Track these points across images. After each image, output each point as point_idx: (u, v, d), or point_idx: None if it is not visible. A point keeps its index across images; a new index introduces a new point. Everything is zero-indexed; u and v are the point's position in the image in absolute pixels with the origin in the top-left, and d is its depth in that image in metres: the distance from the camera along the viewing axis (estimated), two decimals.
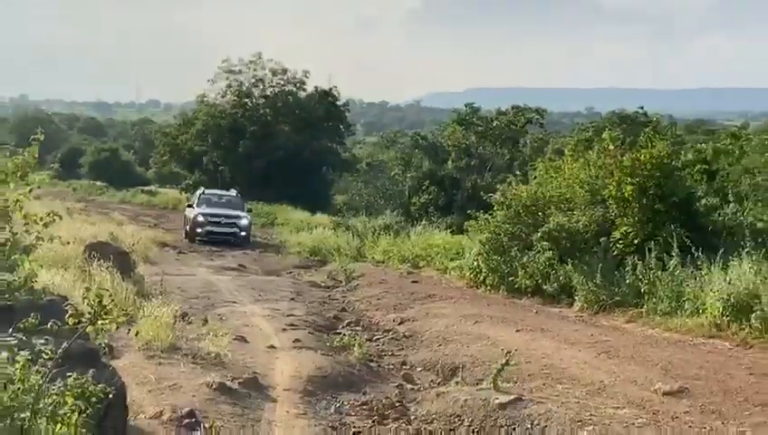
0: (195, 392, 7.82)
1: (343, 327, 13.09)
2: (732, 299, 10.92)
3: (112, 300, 5.90)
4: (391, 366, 10.59)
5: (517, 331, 11.82)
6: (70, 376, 4.79)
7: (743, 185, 15.24)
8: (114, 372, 6.21)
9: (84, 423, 4.66)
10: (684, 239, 12.77)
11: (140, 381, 7.77)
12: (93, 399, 4.78)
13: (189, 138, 43.84)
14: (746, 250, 11.82)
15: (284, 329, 12.10)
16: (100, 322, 5.55)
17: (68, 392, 4.65)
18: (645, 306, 12.52)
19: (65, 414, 4.54)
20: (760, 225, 12.92)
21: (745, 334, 10.50)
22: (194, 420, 6.92)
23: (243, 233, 25.47)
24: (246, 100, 43.89)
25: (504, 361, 8.92)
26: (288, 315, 13.40)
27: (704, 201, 14.30)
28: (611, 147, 15.46)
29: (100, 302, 5.43)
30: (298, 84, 44.16)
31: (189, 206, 27.35)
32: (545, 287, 14.64)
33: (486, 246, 16.49)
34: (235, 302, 14.72)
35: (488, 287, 16.18)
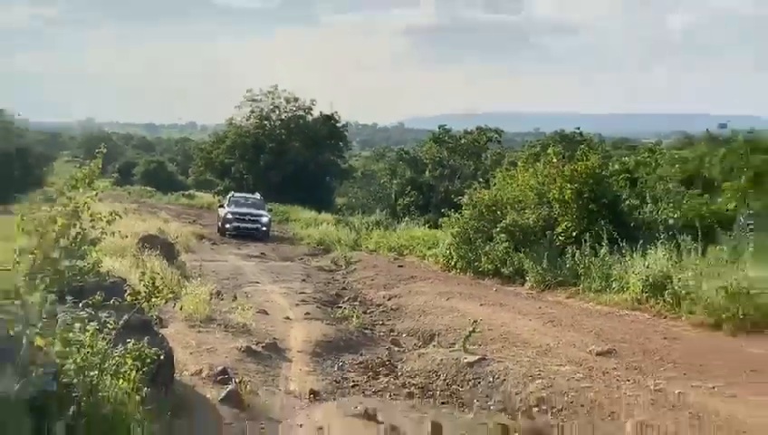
0: (227, 354, 7.82)
1: (344, 302, 13.08)
2: (649, 279, 10.99)
3: (162, 281, 5.89)
4: (382, 333, 10.59)
5: (481, 305, 11.85)
6: (129, 342, 4.79)
7: (657, 190, 15.31)
8: (163, 338, 6.20)
9: (140, 379, 4.65)
10: (612, 232, 12.82)
11: (184, 346, 7.76)
12: (147, 360, 4.79)
13: (221, 152, 43.90)
14: (660, 241, 11.89)
15: (297, 304, 12.08)
16: (153, 299, 5.54)
17: (128, 355, 4.65)
18: (581, 285, 12.59)
19: (125, 372, 4.54)
20: (671, 221, 12.98)
21: (660, 307, 10.57)
22: (227, 375, 6.92)
23: (264, 228, 25.38)
24: (266, 122, 43.79)
25: (470, 328, 8.95)
26: (300, 293, 13.38)
27: (627, 202, 14.37)
28: (554, 160, 15.52)
29: (153, 283, 5.42)
30: (306, 110, 44.13)
31: (221, 206, 27.23)
32: (503, 270, 14.69)
33: (456, 238, 16.54)
34: (257, 282, 14.67)
35: (458, 270, 16.22)
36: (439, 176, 30.34)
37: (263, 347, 8.40)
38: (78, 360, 4.20)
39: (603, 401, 6.61)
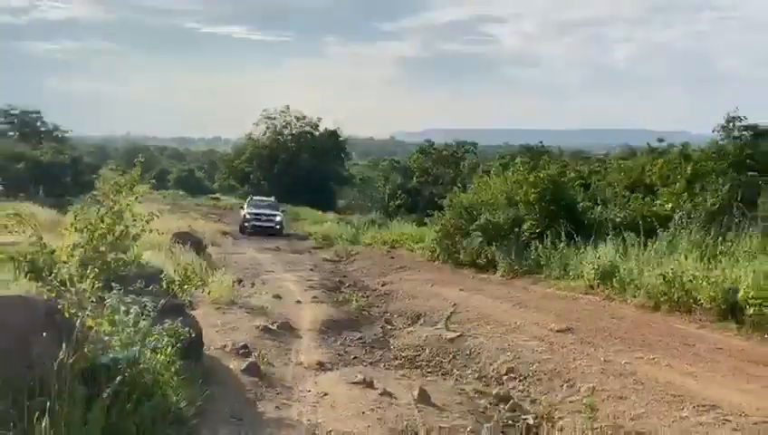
0: (247, 332, 7.81)
1: (345, 288, 13.07)
2: (600, 268, 11.01)
3: (192, 271, 5.88)
4: (377, 314, 10.58)
5: (460, 290, 11.84)
6: (165, 322, 4.79)
7: (606, 194, 15.33)
8: (194, 319, 6.19)
9: (175, 353, 4.66)
10: (569, 229, 12.83)
11: (211, 325, 7.75)
12: (181, 337, 4.79)
13: (241, 162, 43.98)
14: (609, 237, 11.93)
15: (306, 289, 12.05)
16: (185, 286, 5.53)
17: (164, 333, 4.65)
18: (544, 274, 12.61)
19: (162, 347, 4.54)
20: (618, 220, 12.99)
21: (609, 292, 10.58)
22: (247, 350, 6.91)
23: (277, 226, 25.26)
24: (279, 137, 43.75)
25: (451, 310, 8.99)
26: (308, 280, 13.35)
27: (582, 204, 14.36)
28: (521, 168, 15.56)
29: (185, 273, 5.42)
30: (313, 126, 44.17)
31: (241, 208, 27.17)
32: (478, 261, 14.68)
33: (439, 234, 16.52)
34: (272, 271, 14.62)
35: (441, 261, 16.19)
36: (425, 182, 30.30)
37: (277, 326, 8.39)
38: (122, 337, 4.21)
39: (562, 370, 6.65)
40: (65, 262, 4.63)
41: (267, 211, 25.78)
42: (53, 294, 4.32)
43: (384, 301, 11.74)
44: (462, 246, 15.31)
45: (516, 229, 14.07)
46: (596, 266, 11.06)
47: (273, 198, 28.33)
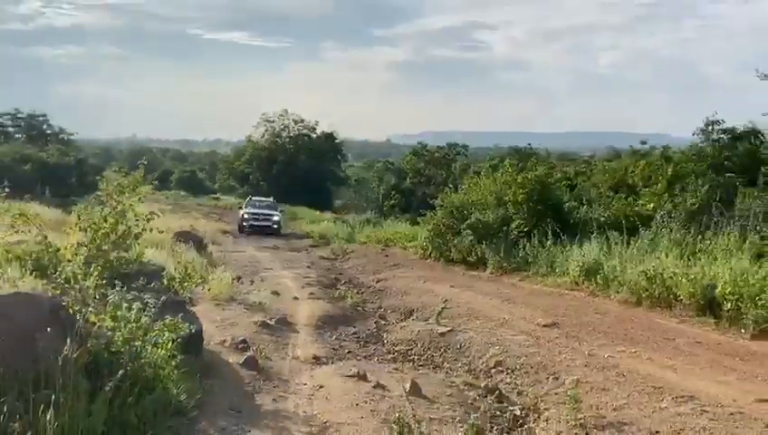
0: (246, 327, 7.80)
1: (341, 285, 13.04)
2: (585, 265, 11.05)
3: (192, 269, 5.87)
4: (371, 310, 10.57)
5: (451, 286, 11.85)
6: (166, 318, 4.78)
7: (591, 194, 15.37)
8: (194, 314, 6.19)
9: (176, 348, 4.65)
10: (555, 228, 12.88)
11: (211, 321, 7.73)
12: (181, 332, 4.78)
13: (241, 163, 43.94)
14: (594, 235, 11.96)
15: (303, 286, 12.05)
16: (185, 283, 5.52)
17: (165, 328, 4.64)
18: (531, 271, 12.64)
19: (163, 342, 4.53)
20: (602, 219, 13.04)
21: (593, 288, 10.62)
22: (246, 344, 6.90)
23: (275, 226, 25.20)
24: (277, 139, 43.72)
25: (442, 306, 9.01)
26: (305, 277, 13.33)
27: (568, 204, 14.40)
28: (510, 170, 15.59)
29: (186, 270, 5.41)
30: (311, 129, 44.18)
31: (240, 207, 27.10)
32: (468, 259, 14.70)
33: (432, 233, 16.53)
34: (271, 269, 14.60)
35: (433, 259, 16.21)
36: (418, 183, 30.34)
37: (275, 321, 8.38)
38: (125, 333, 4.20)
39: (548, 363, 6.67)
40: (69, 260, 4.61)
41: (265, 211, 25.71)
42: (58, 292, 4.30)
43: (378, 297, 11.72)
44: (453, 245, 15.32)
45: (505, 228, 14.10)
46: (581, 264, 11.10)
47: (271, 199, 28.24)
